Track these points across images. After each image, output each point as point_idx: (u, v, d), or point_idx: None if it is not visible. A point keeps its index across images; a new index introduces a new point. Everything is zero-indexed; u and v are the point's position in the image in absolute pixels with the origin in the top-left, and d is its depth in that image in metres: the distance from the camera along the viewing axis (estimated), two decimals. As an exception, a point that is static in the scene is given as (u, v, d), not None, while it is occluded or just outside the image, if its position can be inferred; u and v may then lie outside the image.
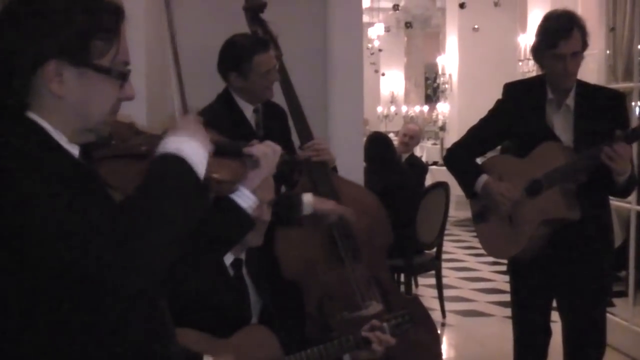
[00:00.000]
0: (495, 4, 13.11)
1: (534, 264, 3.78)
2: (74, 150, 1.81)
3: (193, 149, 1.81)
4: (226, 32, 3.87)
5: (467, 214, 4.10)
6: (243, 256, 3.02)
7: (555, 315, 3.97)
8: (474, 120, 4.06)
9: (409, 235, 6.54)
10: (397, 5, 16.02)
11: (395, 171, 7.31)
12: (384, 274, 3.90)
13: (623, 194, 3.81)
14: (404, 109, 21.06)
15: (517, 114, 3.79)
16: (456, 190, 4.19)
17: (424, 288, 8.05)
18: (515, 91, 3.91)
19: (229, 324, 2.84)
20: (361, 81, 4.88)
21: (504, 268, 4.29)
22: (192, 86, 4.50)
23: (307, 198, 3.58)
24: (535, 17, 10.26)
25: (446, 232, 7.45)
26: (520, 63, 11.58)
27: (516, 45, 12.12)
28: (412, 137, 8.49)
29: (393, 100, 22.04)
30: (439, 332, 6.06)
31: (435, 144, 16.61)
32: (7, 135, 1.69)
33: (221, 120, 3.71)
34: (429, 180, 8.82)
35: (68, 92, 1.75)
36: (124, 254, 1.61)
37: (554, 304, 3.97)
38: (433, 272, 7.22)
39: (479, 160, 4.05)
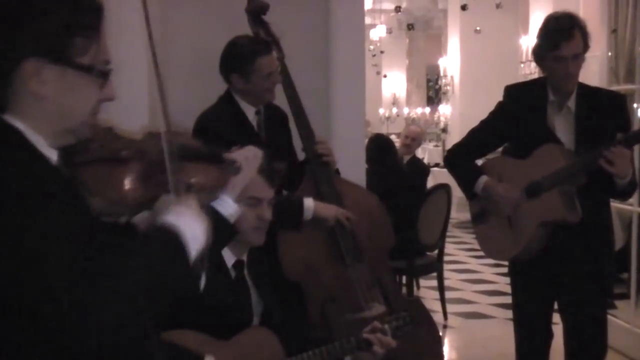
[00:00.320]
0: (497, 6, 13.12)
1: (534, 266, 3.78)
2: (52, 155, 1.72)
3: (192, 229, 1.75)
4: (228, 34, 3.87)
5: (468, 215, 4.09)
6: (245, 257, 3.02)
7: (557, 317, 3.96)
8: (475, 122, 4.06)
9: (410, 237, 6.54)
10: (399, 7, 16.05)
11: (397, 173, 7.31)
12: (386, 275, 3.90)
13: (623, 196, 3.81)
14: (405, 110, 21.07)
15: (518, 116, 3.79)
16: (458, 192, 4.19)
17: (426, 290, 8.05)
18: (516, 93, 3.91)
19: (230, 325, 2.84)
20: (363, 83, 4.87)
21: (505, 270, 4.28)
22: (195, 88, 4.55)
23: (308, 203, 3.58)
24: (537, 19, 10.28)
25: (448, 234, 7.45)
26: (522, 65, 11.58)
27: (518, 47, 12.13)
28: (413, 139, 8.48)
29: (395, 102, 22.05)
30: (440, 334, 6.06)
31: (437, 145, 16.62)
32: None
33: (223, 122, 3.72)
34: (430, 182, 8.82)
35: (48, 92, 1.67)
36: (93, 294, 1.50)
37: (556, 306, 3.97)
38: (435, 274, 7.21)
39: (479, 162, 4.05)
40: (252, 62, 3.69)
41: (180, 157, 1.98)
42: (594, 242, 3.75)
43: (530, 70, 10.71)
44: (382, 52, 20.32)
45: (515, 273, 4.01)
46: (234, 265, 2.98)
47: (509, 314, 4.20)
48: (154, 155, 1.97)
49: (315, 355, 2.87)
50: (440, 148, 15.58)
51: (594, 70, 6.91)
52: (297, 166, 3.93)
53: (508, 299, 4.17)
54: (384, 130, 18.13)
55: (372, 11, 18.29)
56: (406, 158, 8.27)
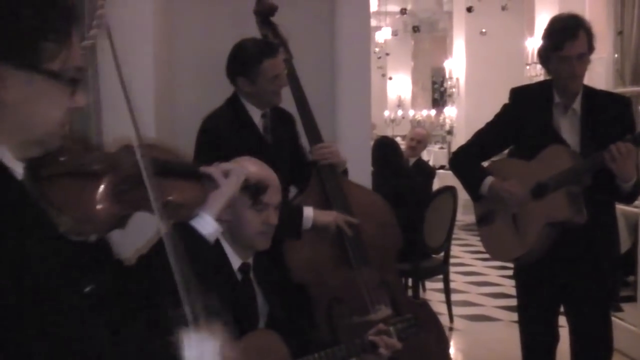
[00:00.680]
0: (503, 8, 13.11)
1: (539, 268, 3.78)
2: (18, 168, 1.61)
3: None
4: (236, 36, 3.88)
5: (474, 218, 4.09)
6: (251, 260, 3.02)
7: (563, 320, 3.96)
8: (481, 124, 4.06)
9: (416, 240, 6.54)
10: (404, 9, 16.06)
11: (403, 175, 7.31)
12: (393, 278, 3.89)
13: (628, 200, 3.80)
14: (411, 113, 21.07)
15: (523, 118, 3.80)
16: (464, 194, 4.19)
17: (432, 292, 8.05)
18: (522, 95, 3.92)
19: (236, 328, 2.83)
20: (369, 85, 4.87)
21: (511, 272, 4.28)
22: (201, 90, 4.55)
23: (308, 212, 3.58)
24: (542, 21, 10.26)
25: (454, 236, 7.45)
26: (527, 67, 11.57)
27: (523, 48, 12.12)
28: (419, 141, 8.49)
29: (400, 104, 22.04)
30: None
31: (442, 148, 16.62)
32: None
33: (228, 125, 3.72)
34: (436, 185, 8.82)
35: (13, 99, 1.56)
36: None
37: (562, 308, 3.96)
38: (441, 276, 7.22)
39: (484, 164, 4.05)
40: (258, 65, 3.69)
41: (155, 173, 1.88)
42: (599, 244, 3.75)
43: (536, 72, 10.70)
44: (387, 54, 20.32)
45: (520, 275, 4.01)
46: (240, 268, 2.97)
47: (515, 316, 4.20)
48: (128, 170, 1.89)
49: (321, 357, 2.87)
50: (445, 150, 15.57)
51: (600, 72, 6.91)
52: (306, 167, 3.92)
53: (514, 302, 4.16)
54: (389, 132, 18.12)
55: (378, 13, 18.28)
56: (412, 160, 8.27)
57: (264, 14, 3.96)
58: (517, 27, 13.53)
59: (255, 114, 3.82)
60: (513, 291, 4.14)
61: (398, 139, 9.52)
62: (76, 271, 1.62)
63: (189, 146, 3.79)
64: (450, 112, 16.75)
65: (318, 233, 3.62)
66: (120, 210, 1.89)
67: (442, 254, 7.16)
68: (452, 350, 6.41)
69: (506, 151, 4.13)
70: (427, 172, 8.37)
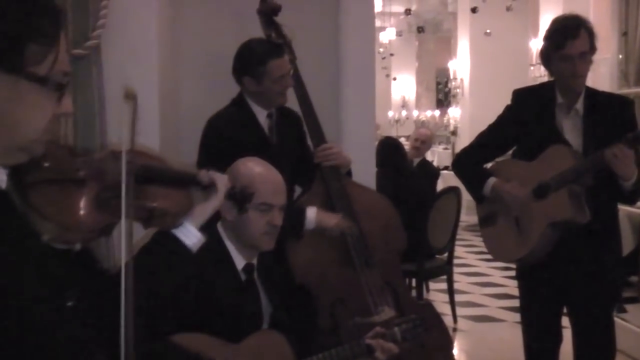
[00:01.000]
0: (507, 9, 13.10)
1: (542, 269, 3.78)
2: (1, 175, 1.57)
3: None
4: (240, 36, 3.88)
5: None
6: (255, 261, 3.02)
7: (566, 321, 3.96)
8: (485, 124, 4.06)
9: (420, 240, 6.54)
10: (409, 10, 16.07)
11: (407, 176, 7.31)
12: (397, 279, 3.89)
13: (630, 199, 3.79)
14: (415, 113, 21.08)
15: (526, 119, 3.80)
16: (468, 195, 4.19)
17: (435, 293, 8.05)
18: (524, 97, 3.92)
19: (240, 328, 2.84)
20: (373, 85, 4.87)
21: (515, 273, 4.28)
22: (207, 90, 4.56)
23: (311, 213, 3.58)
24: (547, 21, 10.22)
25: (457, 236, 7.44)
26: (532, 67, 11.56)
27: (528, 49, 12.11)
28: (423, 142, 8.48)
29: (404, 105, 22.05)
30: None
31: (446, 148, 16.61)
32: None
33: (233, 125, 3.72)
34: (440, 185, 8.82)
35: None
36: None
37: (565, 309, 3.96)
38: (444, 277, 7.21)
39: (486, 166, 4.05)
40: (264, 65, 3.69)
41: (142, 180, 1.86)
42: (602, 245, 3.75)
43: (540, 73, 10.68)
44: (391, 54, 20.33)
45: (523, 276, 4.01)
46: (244, 269, 2.98)
47: (519, 317, 4.20)
48: (113, 177, 1.81)
49: (324, 358, 2.87)
50: (449, 151, 15.56)
51: (604, 73, 6.90)
52: (312, 167, 3.92)
53: (517, 302, 4.17)
54: (393, 133, 18.12)
55: (382, 14, 18.29)
56: (416, 161, 8.26)
57: (268, 14, 3.96)
58: (521, 27, 13.52)
59: (261, 114, 3.82)
60: (517, 292, 4.14)
61: (402, 140, 9.50)
62: (59, 283, 1.57)
63: (193, 146, 3.79)
64: (454, 112, 16.75)
65: (321, 234, 3.62)
66: (106, 218, 1.85)
67: (446, 254, 7.16)
68: (455, 351, 6.41)
69: (510, 152, 4.13)
70: (431, 172, 8.36)
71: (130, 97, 1.65)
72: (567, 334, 3.93)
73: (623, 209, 5.89)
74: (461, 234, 10.75)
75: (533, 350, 3.99)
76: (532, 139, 3.78)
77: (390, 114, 21.50)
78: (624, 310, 6.10)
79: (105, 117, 3.92)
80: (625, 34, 6.56)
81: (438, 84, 21.93)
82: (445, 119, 18.77)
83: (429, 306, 4.13)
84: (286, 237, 3.45)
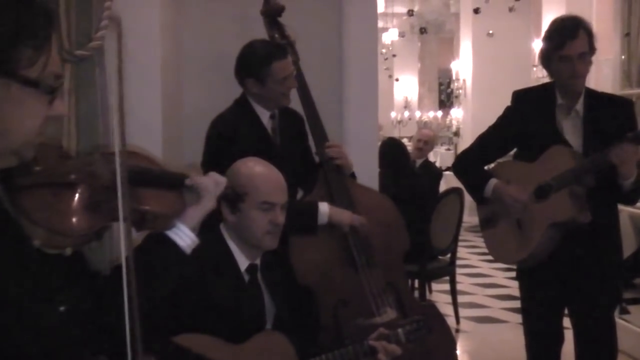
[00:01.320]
0: (510, 9, 13.11)
1: (543, 269, 3.77)
2: None
3: None
4: (244, 37, 3.87)
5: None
6: (258, 261, 3.02)
7: (567, 321, 3.95)
8: (487, 125, 4.06)
9: (423, 241, 6.53)
10: (412, 11, 16.07)
11: (410, 177, 7.31)
12: (400, 280, 3.88)
13: (629, 200, 3.79)
14: (417, 114, 21.06)
15: (526, 120, 3.80)
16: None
17: (438, 294, 8.04)
18: (524, 98, 3.92)
19: (243, 329, 2.84)
20: (376, 86, 4.88)
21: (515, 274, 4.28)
22: (210, 92, 4.56)
23: (323, 208, 3.57)
24: (549, 22, 10.25)
25: (460, 237, 7.45)
26: (534, 68, 11.55)
27: (530, 50, 12.11)
28: (426, 143, 8.47)
29: (407, 106, 22.05)
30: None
31: (449, 149, 16.61)
32: None
33: (236, 127, 3.72)
34: (443, 186, 8.81)
35: None
36: None
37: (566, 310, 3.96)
38: (447, 278, 7.21)
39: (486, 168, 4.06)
40: (268, 67, 3.68)
41: (134, 182, 1.83)
42: (602, 245, 3.75)
43: (543, 74, 10.59)
44: (394, 55, 20.34)
45: (523, 277, 4.01)
46: (247, 270, 2.98)
47: (521, 318, 4.20)
48: (105, 179, 1.83)
49: (328, 359, 2.87)
50: (452, 152, 15.56)
51: (606, 74, 6.90)
52: (314, 169, 3.92)
53: (520, 304, 4.16)
54: (395, 133, 18.10)
55: (385, 15, 18.29)
56: (419, 162, 8.26)
57: (272, 15, 3.96)
58: (524, 28, 13.51)
59: (264, 115, 3.81)
60: (519, 293, 4.14)
61: (404, 141, 9.50)
62: (51, 288, 1.56)
63: (196, 147, 3.80)
64: (456, 113, 16.74)
65: (329, 230, 3.62)
66: (97, 221, 1.84)
67: (449, 255, 7.16)
68: (458, 352, 6.40)
69: (512, 152, 4.13)
70: (433, 173, 8.35)
71: (115, 21, 1.65)
72: (569, 335, 3.93)
73: (626, 210, 5.89)
74: (464, 235, 10.76)
75: (534, 351, 3.99)
76: (532, 140, 3.78)
77: (393, 114, 21.48)
78: (627, 312, 6.10)
79: (108, 119, 3.92)
80: (627, 34, 6.55)
81: (440, 84, 21.93)
82: (448, 119, 18.76)
83: (432, 307, 4.13)
84: (298, 231, 3.46)
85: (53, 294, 1.57)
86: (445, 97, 21.10)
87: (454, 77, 16.68)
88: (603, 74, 7.35)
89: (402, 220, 3.93)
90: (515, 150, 4.04)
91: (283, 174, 3.03)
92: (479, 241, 11.23)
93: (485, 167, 4.05)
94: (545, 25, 10.87)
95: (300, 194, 3.96)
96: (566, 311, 3.95)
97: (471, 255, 10.58)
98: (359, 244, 3.70)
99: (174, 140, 4.42)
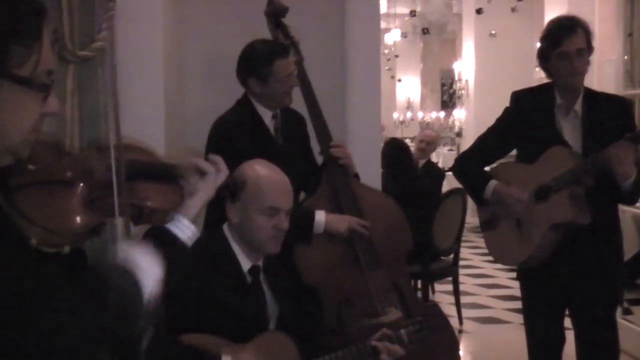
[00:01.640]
0: (512, 10, 13.09)
1: (543, 270, 3.77)
2: None
3: (148, 270, 1.67)
4: (247, 38, 3.88)
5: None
6: (260, 263, 3.02)
7: (568, 322, 3.94)
8: (490, 126, 4.05)
9: (426, 242, 6.53)
10: (414, 11, 16.07)
11: (412, 177, 7.30)
12: (403, 280, 3.88)
13: (629, 200, 3.79)
14: (419, 114, 21.03)
15: (526, 121, 3.80)
16: (473, 196, 4.19)
17: (441, 294, 8.03)
18: (523, 98, 3.92)
19: (246, 330, 2.84)
20: (378, 87, 4.88)
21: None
22: (212, 92, 4.56)
23: (320, 217, 3.56)
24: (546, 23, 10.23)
25: (463, 238, 7.44)
26: (537, 69, 11.48)
27: (533, 50, 11.95)
28: (429, 143, 8.46)
29: (409, 106, 22.01)
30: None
31: (451, 150, 16.59)
32: None
33: (239, 127, 3.72)
34: (445, 187, 8.80)
35: None
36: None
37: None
38: (450, 278, 7.20)
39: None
40: (269, 66, 3.68)
41: (131, 176, 1.84)
42: (603, 246, 3.74)
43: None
44: (396, 56, 20.30)
45: (524, 277, 4.01)
46: (250, 271, 2.98)
47: (522, 319, 4.19)
48: (101, 175, 1.82)
49: (331, 359, 2.87)
50: (454, 152, 15.53)
51: (609, 74, 6.90)
52: (316, 170, 3.93)
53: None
54: (398, 134, 18.09)
55: (387, 15, 18.27)
56: (421, 162, 8.25)
57: (275, 16, 3.96)
58: (526, 29, 13.50)
59: (266, 116, 3.81)
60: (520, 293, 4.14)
61: (407, 141, 9.50)
62: (50, 287, 1.54)
63: (199, 147, 3.79)
64: (459, 114, 16.72)
65: (329, 237, 3.62)
66: (94, 218, 1.82)
67: (452, 256, 7.15)
68: (461, 353, 6.39)
69: (513, 153, 4.12)
70: (436, 174, 8.35)
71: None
72: (571, 336, 3.92)
73: (629, 210, 5.89)
74: (467, 235, 10.75)
75: (536, 352, 3.98)
76: (531, 141, 3.78)
77: (395, 115, 21.45)
78: (630, 312, 6.09)
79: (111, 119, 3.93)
80: (630, 34, 6.54)
81: (443, 85, 21.90)
82: (450, 120, 18.73)
83: (435, 307, 4.13)
84: (293, 240, 3.45)
85: (52, 292, 1.54)
86: (448, 98, 21.06)
87: (456, 78, 16.67)
88: (606, 74, 7.34)
89: (405, 220, 3.94)
90: (517, 151, 4.04)
91: (287, 175, 3.03)
92: (482, 242, 11.19)
93: (485, 168, 4.04)
94: (547, 25, 10.89)
95: (302, 195, 3.96)
96: (567, 311, 3.95)
97: (474, 256, 10.57)
98: (364, 243, 3.70)
99: (176, 139, 4.42)
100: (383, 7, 16.05)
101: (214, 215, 3.27)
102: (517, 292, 7.92)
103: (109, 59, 3.87)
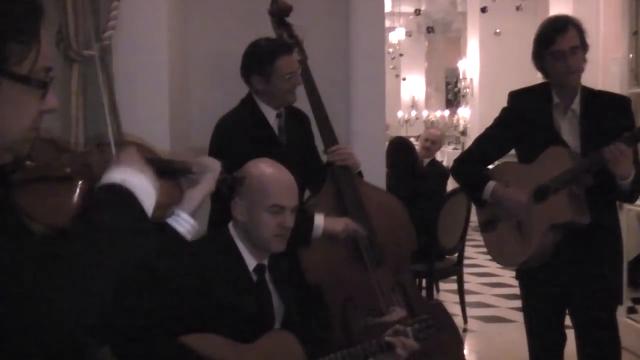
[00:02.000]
0: (517, 8, 13.08)
1: (543, 269, 3.76)
2: None
3: (141, 182, 1.64)
4: (251, 37, 3.88)
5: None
6: (266, 261, 3.02)
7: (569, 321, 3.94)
8: (494, 125, 4.05)
9: (430, 241, 6.53)
10: (418, 10, 16.06)
11: (417, 176, 7.31)
12: (407, 279, 3.89)
13: (629, 198, 3.79)
14: (424, 113, 21.04)
15: (524, 121, 3.79)
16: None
17: (445, 293, 8.03)
18: (521, 98, 3.92)
19: (252, 329, 2.84)
20: (383, 86, 4.88)
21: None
22: (217, 91, 4.57)
23: (318, 220, 3.55)
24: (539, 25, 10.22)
25: (467, 237, 7.43)
26: (540, 68, 11.52)
27: (538, 49, 12.06)
28: (433, 142, 8.46)
29: (414, 105, 22.02)
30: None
31: (456, 148, 16.58)
32: None
33: (243, 126, 3.72)
34: (450, 186, 8.80)
35: None
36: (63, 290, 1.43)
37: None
38: (454, 277, 7.20)
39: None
40: (272, 63, 3.69)
41: None
42: (602, 244, 3.74)
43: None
44: (401, 55, 20.30)
45: (523, 277, 4.00)
46: (255, 269, 2.98)
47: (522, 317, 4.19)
48: (101, 171, 1.79)
49: (337, 358, 2.87)
50: (459, 151, 15.52)
51: (614, 72, 6.88)
52: (320, 168, 3.93)
53: (526, 303, 4.15)
54: (402, 133, 18.09)
55: (392, 14, 18.28)
56: (426, 161, 8.25)
57: (279, 15, 3.97)
58: (531, 27, 13.30)
59: (270, 114, 3.81)
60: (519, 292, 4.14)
61: (412, 140, 9.48)
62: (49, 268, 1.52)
63: (204, 146, 3.80)
64: (464, 112, 16.72)
65: (327, 240, 3.61)
66: None
67: (456, 255, 7.15)
68: (466, 351, 6.40)
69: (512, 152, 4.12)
70: (441, 173, 8.34)
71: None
72: (572, 335, 3.92)
73: (634, 209, 5.88)
74: (471, 234, 10.70)
75: (537, 351, 3.98)
76: (530, 141, 3.77)
77: (400, 114, 21.46)
78: (635, 311, 6.09)
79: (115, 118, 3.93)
80: (635, 33, 6.53)
81: (447, 84, 21.90)
82: (455, 119, 18.75)
83: (440, 306, 4.14)
84: (292, 242, 3.45)
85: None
86: (453, 97, 21.06)
87: (461, 76, 16.67)
88: (611, 73, 7.33)
89: (409, 219, 3.94)
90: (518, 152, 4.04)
91: (291, 174, 3.03)
92: (486, 241, 11.20)
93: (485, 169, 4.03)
94: (552, 24, 10.89)
95: (306, 193, 3.96)
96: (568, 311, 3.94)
97: (478, 255, 10.56)
98: (368, 243, 3.70)
99: (181, 138, 4.43)
100: (387, 6, 16.05)
101: (218, 214, 3.27)
102: (521, 291, 7.96)
103: (108, 58, 3.88)
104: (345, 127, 4.66)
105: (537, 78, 3.95)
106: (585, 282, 3.73)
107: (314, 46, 4.10)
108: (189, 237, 2.03)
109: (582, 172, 3.58)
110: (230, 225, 3.00)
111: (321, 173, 3.87)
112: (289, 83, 3.75)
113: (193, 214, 2.05)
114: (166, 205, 1.96)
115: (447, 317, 3.95)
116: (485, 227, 3.97)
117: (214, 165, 2.12)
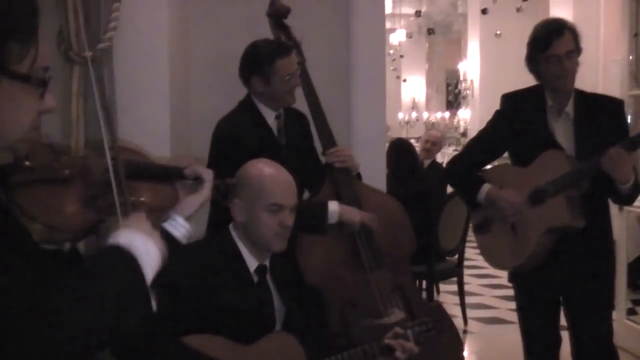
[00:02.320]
0: (517, 10, 13.10)
1: (536, 273, 3.76)
2: None
3: (147, 247, 1.58)
4: (250, 38, 3.88)
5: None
6: (267, 262, 3.02)
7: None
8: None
9: (430, 242, 6.53)
10: (419, 12, 16.08)
11: (418, 177, 7.30)
12: (407, 281, 3.89)
13: (628, 201, 3.79)
14: (425, 115, 21.04)
15: (518, 123, 3.79)
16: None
17: (446, 295, 8.03)
18: (514, 101, 3.91)
19: (253, 330, 2.84)
20: (383, 87, 4.88)
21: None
22: (216, 93, 4.57)
23: (333, 207, 3.57)
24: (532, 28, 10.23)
25: (468, 238, 7.43)
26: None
27: (538, 51, 12.06)
28: (434, 144, 8.46)
29: (414, 107, 22.03)
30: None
31: (456, 150, 16.54)
32: None
33: (242, 128, 3.73)
34: (450, 187, 8.80)
35: None
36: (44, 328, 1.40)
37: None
38: (455, 278, 7.20)
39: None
40: (271, 64, 3.69)
41: (127, 175, 1.86)
42: (596, 248, 3.73)
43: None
44: (401, 56, 20.31)
45: (517, 279, 4.00)
46: (256, 270, 2.98)
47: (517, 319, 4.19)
48: (99, 174, 1.84)
49: (343, 358, 2.88)
50: (459, 152, 15.52)
51: (615, 74, 6.88)
52: (319, 169, 3.93)
53: (528, 305, 4.15)
54: (403, 134, 18.09)
55: (392, 15, 18.29)
56: (426, 162, 8.25)
57: (277, 17, 3.97)
58: (531, 29, 13.45)
59: (269, 116, 3.82)
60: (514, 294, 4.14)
61: (412, 141, 9.49)
62: (50, 280, 1.53)
63: (204, 148, 3.80)
64: (464, 114, 16.74)
65: (337, 230, 3.61)
66: (94, 215, 1.85)
67: (456, 256, 7.15)
68: (466, 353, 6.40)
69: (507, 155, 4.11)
70: (441, 174, 8.33)
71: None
72: (567, 336, 3.92)
73: (634, 210, 5.88)
74: (471, 235, 10.68)
75: (532, 353, 3.98)
76: (524, 143, 3.77)
77: (400, 115, 21.46)
78: (635, 313, 6.09)
79: (117, 120, 3.93)
80: (636, 35, 6.53)
81: (448, 85, 21.91)
82: (455, 120, 18.76)
83: (439, 308, 4.13)
84: (309, 232, 3.46)
85: (52, 286, 1.53)
86: (453, 98, 21.07)
87: (461, 78, 16.68)
88: (611, 75, 7.33)
89: (409, 220, 3.94)
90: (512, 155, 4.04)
91: (290, 175, 3.04)
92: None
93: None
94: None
95: (305, 194, 3.97)
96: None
97: (479, 256, 10.41)
98: (367, 244, 3.70)
99: (182, 139, 4.43)
100: (388, 8, 16.06)
101: (217, 216, 3.27)
102: (521, 292, 7.95)
103: (108, 59, 3.88)
104: (345, 128, 4.66)
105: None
106: (580, 285, 3.72)
107: (315, 48, 4.10)
108: (184, 241, 2.06)
109: (581, 177, 3.58)
110: (231, 227, 3.01)
111: (320, 174, 3.87)
112: (288, 84, 3.75)
113: (188, 219, 2.07)
114: (162, 209, 2.00)
115: (447, 318, 3.94)
116: (479, 229, 3.96)
117: (208, 175, 2.14)
